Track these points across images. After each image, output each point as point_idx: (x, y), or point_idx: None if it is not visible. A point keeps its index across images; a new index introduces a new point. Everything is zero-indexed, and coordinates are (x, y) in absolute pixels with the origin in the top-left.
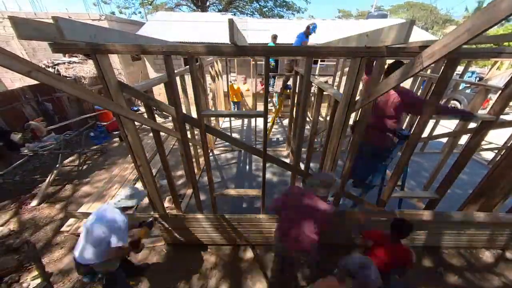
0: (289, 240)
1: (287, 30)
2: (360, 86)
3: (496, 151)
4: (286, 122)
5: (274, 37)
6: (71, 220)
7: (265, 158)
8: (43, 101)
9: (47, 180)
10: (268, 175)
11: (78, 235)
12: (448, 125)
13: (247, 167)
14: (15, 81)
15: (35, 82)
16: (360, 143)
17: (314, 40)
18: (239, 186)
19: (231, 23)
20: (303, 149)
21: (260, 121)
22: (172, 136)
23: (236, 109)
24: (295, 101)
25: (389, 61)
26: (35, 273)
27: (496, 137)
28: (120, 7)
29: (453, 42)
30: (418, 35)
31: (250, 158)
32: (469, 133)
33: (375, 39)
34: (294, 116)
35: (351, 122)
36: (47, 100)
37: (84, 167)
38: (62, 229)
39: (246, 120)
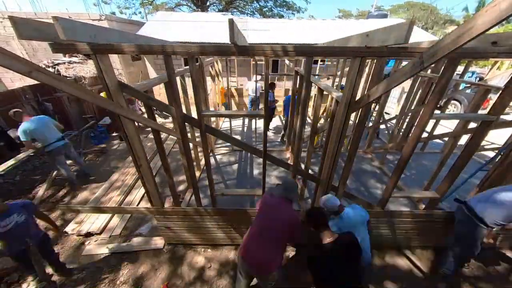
0: (253, 261)
1: (287, 30)
2: (360, 88)
3: (496, 151)
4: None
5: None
6: (73, 222)
7: (265, 158)
8: (43, 101)
9: (47, 181)
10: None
11: (80, 236)
12: (448, 125)
13: (248, 167)
14: (15, 80)
15: (35, 82)
16: None
17: (314, 40)
18: (240, 187)
19: (231, 23)
20: (303, 149)
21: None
22: (172, 136)
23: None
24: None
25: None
26: (35, 274)
27: (496, 137)
28: (120, 7)
29: (453, 42)
30: (418, 35)
31: (251, 158)
32: (469, 133)
33: (375, 39)
34: (294, 116)
35: None
36: (47, 100)
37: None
38: (64, 230)
39: (246, 121)
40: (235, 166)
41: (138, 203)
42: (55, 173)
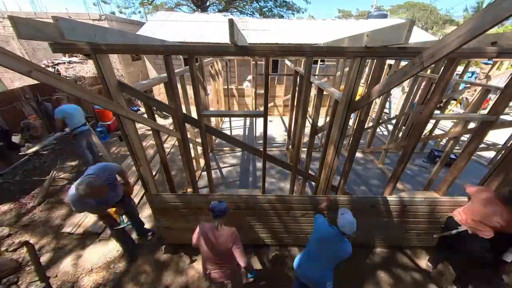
0: None
1: (287, 30)
2: (360, 90)
3: (496, 151)
4: (287, 122)
5: None
6: (72, 221)
7: (265, 158)
8: (43, 101)
9: (47, 180)
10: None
11: (80, 235)
12: (448, 125)
13: (249, 167)
14: (15, 80)
15: (35, 81)
16: None
17: (314, 40)
18: (240, 187)
19: (231, 23)
20: (303, 149)
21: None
22: (172, 136)
23: None
24: (295, 101)
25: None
26: (34, 274)
27: (496, 137)
28: (120, 7)
29: (453, 42)
30: (418, 35)
31: (252, 158)
32: (469, 133)
33: (375, 39)
34: (294, 116)
35: None
36: (47, 100)
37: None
38: (63, 230)
39: (248, 121)
40: (236, 167)
41: (137, 204)
42: (54, 173)
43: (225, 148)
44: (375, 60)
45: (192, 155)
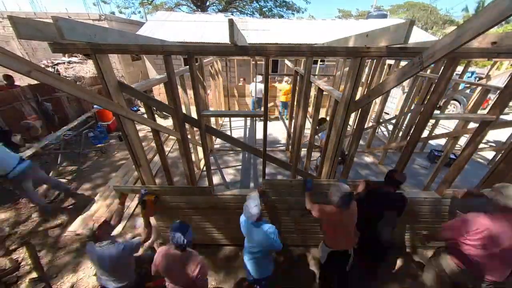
0: None
1: (287, 30)
2: (360, 90)
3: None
4: (287, 121)
5: None
6: (73, 222)
7: (265, 158)
8: (42, 101)
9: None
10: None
11: (80, 235)
12: (448, 124)
13: (249, 167)
14: (14, 80)
15: (35, 81)
16: None
17: (314, 40)
18: (241, 187)
19: (231, 23)
20: (303, 149)
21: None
22: (172, 136)
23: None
24: (295, 101)
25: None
26: (34, 274)
27: (496, 137)
28: (120, 7)
29: (453, 42)
30: (418, 35)
31: (253, 158)
32: (469, 133)
33: (375, 39)
34: (294, 116)
35: None
36: (47, 100)
37: (84, 168)
38: (67, 230)
39: (248, 121)
40: (237, 167)
41: (136, 206)
42: (55, 172)
43: (225, 149)
44: (375, 60)
45: (193, 158)
